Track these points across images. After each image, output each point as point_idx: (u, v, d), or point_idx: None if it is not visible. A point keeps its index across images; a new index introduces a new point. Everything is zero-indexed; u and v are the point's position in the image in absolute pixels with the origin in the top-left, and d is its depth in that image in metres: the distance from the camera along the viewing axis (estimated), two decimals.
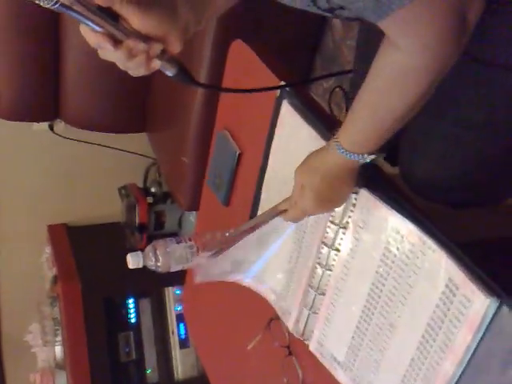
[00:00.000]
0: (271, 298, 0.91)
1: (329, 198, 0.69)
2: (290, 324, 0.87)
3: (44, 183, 2.16)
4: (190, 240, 1.07)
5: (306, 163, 0.71)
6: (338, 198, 0.70)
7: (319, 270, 0.79)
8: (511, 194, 0.72)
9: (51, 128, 1.99)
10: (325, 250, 0.78)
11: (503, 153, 0.70)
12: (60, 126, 1.99)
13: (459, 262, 0.60)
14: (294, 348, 0.90)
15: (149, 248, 1.05)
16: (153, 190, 2.06)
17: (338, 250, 0.76)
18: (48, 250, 2.13)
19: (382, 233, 0.69)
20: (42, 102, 1.77)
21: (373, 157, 0.64)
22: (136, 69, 0.55)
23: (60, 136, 2.00)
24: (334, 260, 0.77)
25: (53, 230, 2.18)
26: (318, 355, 0.83)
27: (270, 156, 0.91)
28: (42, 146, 2.08)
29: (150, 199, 2.02)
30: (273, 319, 0.96)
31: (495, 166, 0.71)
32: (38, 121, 1.92)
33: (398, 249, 0.67)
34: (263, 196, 0.94)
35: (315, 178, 0.68)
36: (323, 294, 0.80)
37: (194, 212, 1.83)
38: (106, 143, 2.02)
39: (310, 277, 0.81)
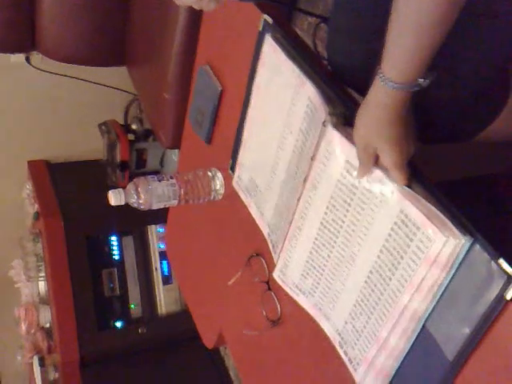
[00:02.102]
0: (266, 231, 0.92)
1: (404, 137, 0.62)
2: (275, 257, 0.88)
3: (23, 118, 2.12)
4: (171, 178, 1.07)
5: (361, 124, 0.64)
6: (411, 132, 0.63)
7: (295, 203, 0.80)
8: (482, 129, 0.72)
9: (28, 60, 1.92)
10: (302, 185, 0.78)
11: (475, 88, 0.70)
12: (37, 58, 1.92)
13: (421, 198, 0.61)
14: (273, 283, 0.91)
15: (130, 185, 1.05)
16: (134, 127, 2.03)
17: (304, 181, 0.76)
18: (29, 186, 2.11)
19: (343, 168, 0.69)
20: (18, 31, 1.69)
21: (427, 81, 0.58)
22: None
23: (37, 69, 1.93)
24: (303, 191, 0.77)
25: (33, 166, 2.15)
26: (280, 283, 0.86)
27: (253, 93, 0.89)
28: (20, 80, 2.02)
29: (131, 136, 1.99)
30: (253, 256, 0.97)
31: (466, 101, 0.70)
32: (13, 52, 1.84)
33: (356, 188, 0.68)
34: (245, 134, 0.93)
35: (379, 129, 0.61)
36: (290, 224, 0.81)
37: (176, 150, 1.81)
38: (85, 77, 1.96)
39: (292, 212, 0.81)
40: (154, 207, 1.05)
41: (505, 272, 0.54)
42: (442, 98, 0.70)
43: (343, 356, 0.75)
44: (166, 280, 1.98)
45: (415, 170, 0.64)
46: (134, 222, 1.98)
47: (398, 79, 0.57)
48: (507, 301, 0.54)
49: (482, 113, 0.72)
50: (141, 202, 1.03)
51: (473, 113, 0.73)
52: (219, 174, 1.06)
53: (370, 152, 0.63)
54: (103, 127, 2.01)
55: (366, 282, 0.69)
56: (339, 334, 0.76)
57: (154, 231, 2.02)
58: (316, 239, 0.77)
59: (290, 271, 0.84)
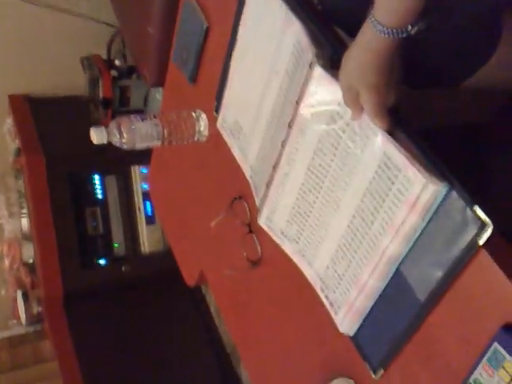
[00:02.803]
0: (248, 174, 0.92)
1: (385, 85, 0.61)
2: (257, 200, 0.89)
3: (2, 51, 2.04)
4: (155, 118, 1.05)
5: (347, 65, 0.63)
6: (394, 80, 0.62)
7: (280, 148, 0.79)
8: (470, 74, 0.72)
9: None
10: (287, 129, 0.77)
11: (464, 34, 0.69)
12: None
13: (403, 144, 0.61)
14: (255, 226, 0.93)
15: (113, 124, 1.03)
16: (117, 63, 1.97)
17: (290, 127, 0.76)
18: (9, 120, 2.07)
19: (330, 112, 0.68)
20: None
21: (415, 28, 0.57)
22: None
23: None
24: (289, 135, 0.77)
25: (14, 100, 2.09)
26: (266, 229, 0.87)
27: (239, 31, 0.86)
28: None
29: (114, 73, 1.93)
30: (236, 198, 0.98)
31: (455, 46, 0.70)
32: None
33: (343, 131, 0.68)
34: (231, 73, 0.91)
35: (362, 73, 0.60)
36: (276, 170, 0.81)
37: (161, 89, 1.77)
38: (66, 8, 1.88)
39: (276, 156, 0.81)
40: (137, 147, 1.04)
41: (479, 218, 0.55)
42: (431, 41, 0.69)
43: (324, 300, 0.77)
44: (150, 220, 2.00)
45: (398, 117, 0.64)
46: (118, 161, 1.96)
47: (388, 24, 0.56)
48: (480, 246, 0.56)
49: (471, 58, 0.72)
50: (123, 141, 1.02)
51: (461, 58, 0.72)
52: (203, 116, 1.05)
53: (353, 94, 0.63)
54: (85, 61, 1.95)
55: (348, 226, 0.71)
56: (321, 279, 0.78)
57: (138, 172, 2.00)
58: (303, 185, 0.77)
59: (277, 218, 0.85)
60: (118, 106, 1.97)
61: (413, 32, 0.57)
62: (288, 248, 0.84)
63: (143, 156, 1.42)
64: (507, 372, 0.54)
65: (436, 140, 0.64)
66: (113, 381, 1.75)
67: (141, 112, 1.98)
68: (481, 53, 0.72)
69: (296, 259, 0.83)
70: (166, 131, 1.02)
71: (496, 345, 0.55)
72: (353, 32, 0.65)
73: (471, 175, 0.63)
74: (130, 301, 1.92)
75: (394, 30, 0.56)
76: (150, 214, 2.00)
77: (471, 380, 0.57)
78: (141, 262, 1.99)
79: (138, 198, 2.00)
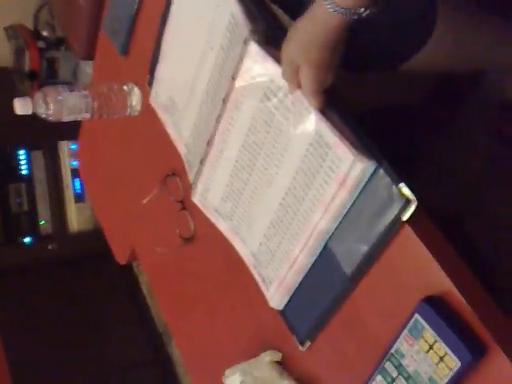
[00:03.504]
0: (182, 151, 0.90)
1: (327, 64, 0.61)
2: (190, 177, 0.88)
3: None
4: (84, 90, 1.01)
5: (293, 35, 0.62)
6: (335, 61, 0.62)
7: (214, 124, 0.79)
8: (406, 58, 0.74)
9: None
10: (222, 105, 0.77)
11: (403, 17, 0.70)
12: None
13: (334, 123, 0.62)
14: (188, 203, 0.92)
15: (39, 94, 0.98)
16: (45, 33, 1.87)
17: (225, 102, 0.75)
18: None
19: (264, 88, 0.68)
20: None
21: (367, 12, 0.57)
22: None
23: None
24: (223, 112, 0.76)
25: None
26: (200, 206, 0.86)
27: (173, 3, 0.84)
28: None
29: (41, 44, 1.84)
30: (169, 175, 0.96)
31: (394, 30, 0.71)
32: None
33: (277, 108, 0.68)
34: (165, 46, 0.89)
35: (306, 47, 0.60)
36: (210, 146, 0.81)
37: (91, 62, 1.70)
38: None
39: (210, 132, 0.81)
40: (65, 119, 1.00)
41: (404, 195, 0.58)
42: (369, 25, 0.70)
43: (256, 276, 0.78)
44: (79, 198, 1.93)
45: (332, 98, 0.65)
46: (45, 136, 1.87)
47: (342, 3, 0.56)
48: (403, 222, 0.58)
49: (407, 43, 0.73)
50: (50, 112, 0.98)
51: (397, 42, 0.74)
52: (136, 89, 1.02)
53: (293, 68, 0.63)
54: (10, 31, 1.84)
55: (281, 203, 0.71)
56: (253, 256, 0.79)
57: (66, 147, 1.93)
58: (237, 161, 0.77)
59: (211, 195, 0.84)
60: (45, 79, 1.88)
61: (364, 15, 0.57)
62: (221, 225, 0.84)
63: (73, 131, 1.37)
64: (426, 341, 0.57)
65: (368, 121, 0.65)
66: (39, 361, 1.70)
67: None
68: (416, 38, 0.74)
69: (229, 236, 0.83)
70: (95, 104, 0.99)
71: (417, 316, 0.57)
72: (294, 13, 0.65)
73: (400, 155, 0.65)
74: (57, 280, 1.87)
75: (347, 10, 0.56)
76: (79, 191, 1.94)
77: (393, 350, 0.60)
78: (69, 241, 1.93)
79: (67, 175, 1.93)
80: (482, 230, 0.91)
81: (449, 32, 0.73)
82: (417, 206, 0.57)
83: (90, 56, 1.51)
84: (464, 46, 0.77)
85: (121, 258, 1.25)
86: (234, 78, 0.73)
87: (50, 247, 1.88)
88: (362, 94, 0.87)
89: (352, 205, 0.63)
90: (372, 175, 0.60)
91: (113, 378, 1.82)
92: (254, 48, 0.68)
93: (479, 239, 0.90)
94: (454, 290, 0.55)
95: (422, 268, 0.58)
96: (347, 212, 0.63)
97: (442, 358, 0.56)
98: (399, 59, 0.75)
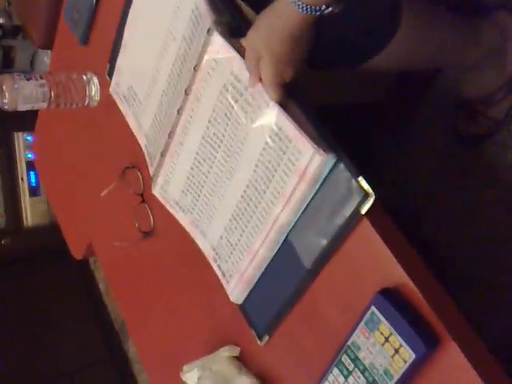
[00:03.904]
0: (143, 142, 0.89)
1: (288, 58, 0.62)
2: (151, 170, 0.87)
3: None
4: (41, 78, 0.98)
5: (258, 26, 0.62)
6: (299, 58, 0.63)
7: (176, 116, 0.78)
8: (370, 57, 0.75)
9: None
10: (184, 96, 0.76)
11: (368, 16, 0.71)
12: None
13: (295, 116, 0.62)
14: (148, 196, 0.90)
15: None
16: (0, 21, 1.81)
17: (187, 94, 0.74)
18: None
19: (225, 80, 0.68)
20: None
21: (330, 9, 0.57)
22: None
23: None
24: (185, 103, 0.75)
25: None
26: (161, 199, 0.85)
27: None
28: None
29: None
30: (128, 167, 0.95)
31: (357, 28, 0.72)
32: None
33: (236, 101, 0.68)
34: (126, 35, 0.87)
35: (269, 39, 0.60)
36: (172, 138, 0.80)
37: (49, 51, 1.65)
38: None
39: (171, 124, 0.79)
40: (21, 108, 0.97)
41: (362, 189, 0.58)
42: (334, 22, 0.70)
43: (217, 270, 0.77)
44: (34, 191, 1.88)
45: (292, 91, 0.65)
46: None
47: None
48: (362, 215, 0.59)
49: (371, 42, 0.74)
50: (5, 101, 0.95)
51: (363, 41, 0.74)
52: (95, 79, 1.00)
53: (255, 56, 0.63)
54: None
55: (242, 196, 0.71)
56: (214, 249, 0.78)
57: (22, 139, 1.87)
58: (197, 154, 0.76)
59: (171, 188, 0.83)
60: (1, 68, 1.82)
61: (325, 12, 0.58)
62: (182, 218, 0.83)
63: (29, 122, 1.33)
64: (382, 334, 0.58)
65: (327, 118, 0.66)
66: None
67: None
68: (380, 38, 0.74)
69: (190, 229, 0.82)
70: (53, 93, 0.96)
71: (373, 308, 0.58)
72: (257, 6, 0.65)
73: (358, 153, 0.66)
74: (11, 276, 1.81)
75: (308, 7, 0.57)
76: (34, 184, 1.88)
77: (349, 343, 0.61)
78: (23, 236, 1.87)
79: (22, 168, 1.87)
80: (438, 226, 0.94)
81: (408, 34, 0.74)
82: (375, 200, 0.58)
83: (48, 45, 1.47)
84: (422, 45, 0.79)
85: (77, 252, 1.22)
86: (195, 70, 0.72)
87: (3, 242, 1.82)
88: (321, 91, 0.88)
89: (312, 198, 0.63)
90: (332, 169, 0.60)
91: (68, 377, 1.77)
92: (216, 39, 0.68)
93: (434, 234, 0.92)
94: (410, 283, 0.56)
95: (378, 261, 0.59)
96: (307, 205, 0.63)
97: (397, 351, 0.56)
98: (361, 58, 0.75)
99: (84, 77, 1.00)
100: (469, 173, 0.99)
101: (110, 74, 0.94)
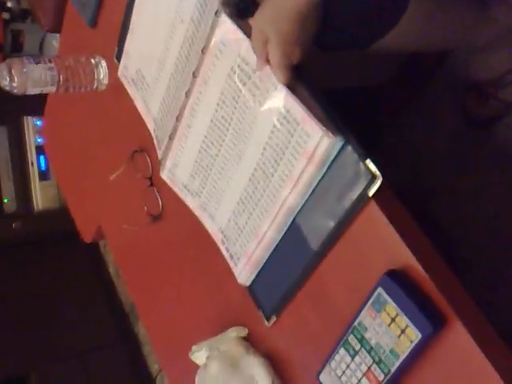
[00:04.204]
0: (151, 126, 0.89)
1: (296, 38, 0.61)
2: (159, 153, 0.87)
3: None
4: (50, 62, 0.99)
5: (265, 7, 0.61)
6: (307, 38, 0.62)
7: (184, 99, 0.78)
8: (379, 37, 0.74)
9: None
10: (192, 79, 0.76)
11: None
12: None
13: (303, 99, 0.62)
14: (157, 180, 0.91)
15: (3, 66, 0.95)
16: (9, 4, 1.81)
17: (195, 76, 0.74)
18: None
19: (233, 62, 0.68)
20: None
21: None
22: None
23: None
24: (193, 86, 0.75)
25: None
26: (169, 182, 0.86)
27: None
28: None
29: (6, 15, 1.78)
30: (137, 151, 0.95)
31: (366, 8, 0.72)
32: None
33: (244, 84, 0.67)
34: (134, 18, 0.87)
35: (277, 20, 0.59)
36: (179, 121, 0.80)
37: (58, 35, 1.65)
38: None
39: (179, 107, 0.80)
40: (30, 92, 0.97)
41: (370, 171, 0.58)
42: (343, 3, 0.70)
43: (224, 252, 0.78)
44: (43, 176, 1.89)
45: (300, 74, 0.65)
46: (9, 111, 1.81)
47: None
48: (369, 197, 0.59)
49: (381, 21, 0.74)
50: (14, 85, 0.95)
51: (372, 20, 0.74)
52: (103, 63, 1.00)
53: (262, 39, 0.62)
54: None
55: (250, 179, 0.71)
56: (222, 232, 0.78)
57: (32, 123, 1.88)
58: (206, 137, 0.77)
59: (180, 171, 0.83)
60: (10, 52, 1.82)
61: None
62: (190, 202, 0.84)
63: (38, 107, 1.33)
64: (388, 315, 0.58)
65: (335, 100, 0.66)
66: (6, 341, 1.67)
67: None
68: (388, 19, 0.74)
69: (198, 213, 0.83)
70: (61, 76, 0.96)
71: (380, 289, 0.59)
72: None
73: (367, 134, 0.66)
74: (22, 259, 1.83)
75: None
76: (44, 169, 1.89)
77: (356, 323, 0.61)
78: (34, 220, 1.89)
79: (32, 152, 1.89)
80: (445, 207, 0.93)
81: (418, 13, 0.73)
82: (382, 182, 0.58)
83: (56, 29, 1.47)
84: (432, 26, 0.78)
85: (86, 236, 1.23)
86: (203, 52, 0.72)
87: (13, 226, 1.84)
88: (329, 74, 0.87)
89: (320, 181, 0.63)
90: (339, 151, 0.60)
91: (78, 359, 1.80)
92: (224, 21, 0.67)
93: (442, 216, 0.92)
94: (416, 264, 0.57)
95: (385, 243, 0.59)
96: (315, 188, 0.64)
97: (403, 331, 0.57)
98: (371, 38, 0.75)
99: (92, 60, 1.00)
100: (478, 154, 0.99)
101: (119, 58, 0.94)
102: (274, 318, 0.73)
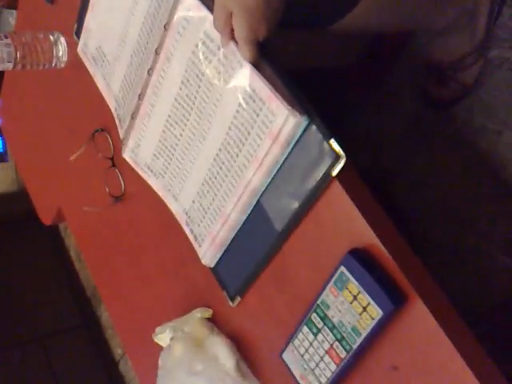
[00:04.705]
0: (112, 105, 0.87)
1: (261, 12, 0.59)
2: (121, 132, 0.85)
3: None
4: (6, 37, 0.95)
5: None
6: (273, 13, 0.60)
7: (146, 76, 0.76)
8: (341, 16, 0.74)
9: None
10: (154, 56, 0.74)
11: None
12: None
13: (268, 78, 0.62)
14: (118, 160, 0.89)
15: None
16: None
17: (158, 53, 0.73)
18: None
19: (197, 39, 0.66)
20: None
21: None
22: None
23: None
24: (155, 63, 0.74)
25: None
26: (131, 163, 0.84)
27: None
28: None
29: None
30: (97, 131, 0.93)
31: None
32: None
33: (209, 61, 0.66)
34: None
35: None
36: (142, 100, 0.78)
37: (14, 12, 1.59)
38: None
39: (141, 85, 0.78)
40: None
41: (334, 151, 0.58)
42: None
43: (189, 234, 0.77)
44: (1, 158, 1.83)
45: (265, 51, 0.64)
46: None
47: None
48: (333, 177, 0.59)
49: (341, 1, 0.73)
50: None
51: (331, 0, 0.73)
52: (62, 39, 0.97)
53: (226, 14, 0.61)
54: None
55: (214, 159, 0.70)
56: (186, 213, 0.78)
57: None
58: (169, 117, 0.75)
59: (142, 151, 0.82)
60: None
61: None
62: (153, 182, 0.82)
63: None
64: (350, 292, 0.59)
65: (301, 80, 0.65)
66: None
67: None
68: None
69: (161, 194, 0.81)
70: (18, 53, 0.93)
71: (342, 268, 0.59)
72: None
73: (329, 115, 0.66)
74: None
75: None
76: (1, 151, 1.83)
77: (319, 301, 0.62)
78: None
79: None
80: (405, 188, 0.95)
81: None
82: (345, 162, 0.58)
83: (13, 5, 1.42)
84: (394, 7, 0.78)
85: (46, 218, 1.20)
86: (166, 29, 0.70)
87: None
88: (294, 55, 0.87)
89: (284, 161, 0.63)
90: (304, 130, 0.60)
91: (39, 343, 1.77)
92: None
93: (401, 196, 0.93)
94: (378, 243, 0.57)
95: (348, 222, 0.60)
96: (279, 168, 0.63)
97: (365, 308, 0.58)
98: (332, 17, 0.75)
99: (51, 37, 0.96)
100: (437, 136, 1.01)
101: (78, 34, 0.91)
102: (238, 299, 0.73)
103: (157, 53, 0.72)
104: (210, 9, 0.64)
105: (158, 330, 0.81)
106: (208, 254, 0.75)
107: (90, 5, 0.86)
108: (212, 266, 0.76)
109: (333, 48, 0.90)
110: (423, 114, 1.02)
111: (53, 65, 0.96)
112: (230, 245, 0.73)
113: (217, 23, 0.63)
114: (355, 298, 0.58)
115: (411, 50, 1.01)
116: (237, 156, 0.67)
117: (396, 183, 0.96)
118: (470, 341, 0.56)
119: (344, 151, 0.58)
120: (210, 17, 0.64)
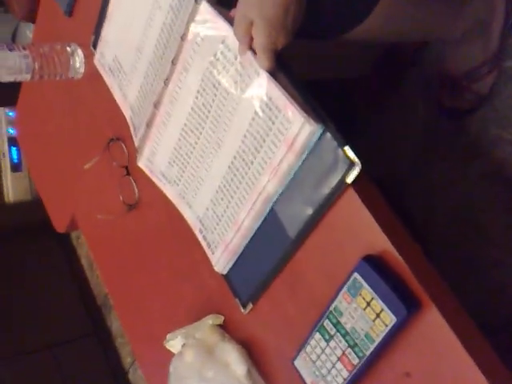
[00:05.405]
0: (128, 114, 0.88)
1: (280, 22, 0.61)
2: (136, 141, 0.86)
3: None
4: (24, 49, 0.97)
5: None
6: (292, 23, 0.62)
7: (162, 86, 0.78)
8: (354, 26, 0.75)
9: None
10: (171, 66, 0.76)
11: None
12: None
13: (284, 87, 0.63)
14: (133, 169, 0.90)
15: None
16: None
17: (174, 64, 0.74)
18: None
19: (215, 49, 0.68)
20: None
21: None
22: None
23: None
24: (172, 73, 0.75)
25: None
26: (146, 171, 0.85)
27: None
28: None
29: None
30: (112, 140, 0.94)
31: None
32: None
33: (226, 71, 0.67)
34: (111, 5, 0.86)
35: (261, 3, 0.59)
36: (158, 109, 0.79)
37: (32, 25, 1.62)
38: None
39: (157, 94, 0.79)
40: (3, 80, 0.95)
41: (348, 158, 0.59)
42: None
43: (202, 241, 0.78)
44: (15, 167, 1.85)
45: (281, 60, 0.65)
46: None
47: None
48: (347, 184, 0.60)
49: (356, 9, 0.74)
50: None
51: (346, 8, 0.74)
52: (79, 51, 0.99)
53: (246, 23, 0.62)
54: None
55: (229, 167, 0.71)
56: (200, 221, 0.78)
57: (3, 114, 1.84)
58: (185, 125, 0.76)
59: (158, 159, 0.83)
60: None
61: None
62: (168, 190, 0.83)
63: (9, 97, 1.31)
64: (364, 299, 0.59)
65: (315, 91, 0.66)
66: None
67: None
68: (361, 8, 0.74)
69: (176, 201, 0.82)
70: (36, 64, 0.95)
71: (356, 274, 0.60)
72: None
73: (342, 126, 0.67)
74: None
75: None
76: (16, 161, 1.85)
77: (331, 308, 0.62)
78: (4, 212, 1.85)
79: (3, 143, 1.84)
80: (420, 198, 0.95)
81: (394, 3, 0.74)
82: (360, 170, 0.59)
83: (31, 18, 1.44)
84: (405, 16, 0.79)
85: (60, 226, 1.21)
86: (183, 39, 0.72)
87: None
88: (308, 65, 0.88)
89: (298, 168, 0.64)
90: (319, 138, 0.61)
91: (50, 352, 1.78)
92: (205, 8, 0.67)
93: (417, 206, 0.94)
94: (392, 250, 0.58)
95: (362, 229, 0.60)
96: (293, 175, 0.64)
97: (378, 315, 0.58)
98: (342, 28, 0.75)
99: (68, 48, 0.98)
100: (452, 147, 1.01)
101: (95, 46, 0.93)
102: (250, 306, 0.73)
103: (173, 63, 0.74)
104: (227, 19, 0.66)
105: (169, 336, 0.82)
106: (221, 261, 0.76)
107: (108, 17, 0.88)
108: (225, 273, 0.76)
109: (348, 58, 0.91)
110: (437, 125, 1.02)
111: (70, 76, 0.98)
112: (243, 252, 0.73)
113: (237, 31, 0.64)
114: (368, 304, 0.58)
115: (425, 60, 1.01)
116: (251, 163, 0.68)
117: (409, 193, 0.96)
118: (486, 349, 0.56)
119: (359, 159, 0.59)
120: (227, 27, 0.66)
